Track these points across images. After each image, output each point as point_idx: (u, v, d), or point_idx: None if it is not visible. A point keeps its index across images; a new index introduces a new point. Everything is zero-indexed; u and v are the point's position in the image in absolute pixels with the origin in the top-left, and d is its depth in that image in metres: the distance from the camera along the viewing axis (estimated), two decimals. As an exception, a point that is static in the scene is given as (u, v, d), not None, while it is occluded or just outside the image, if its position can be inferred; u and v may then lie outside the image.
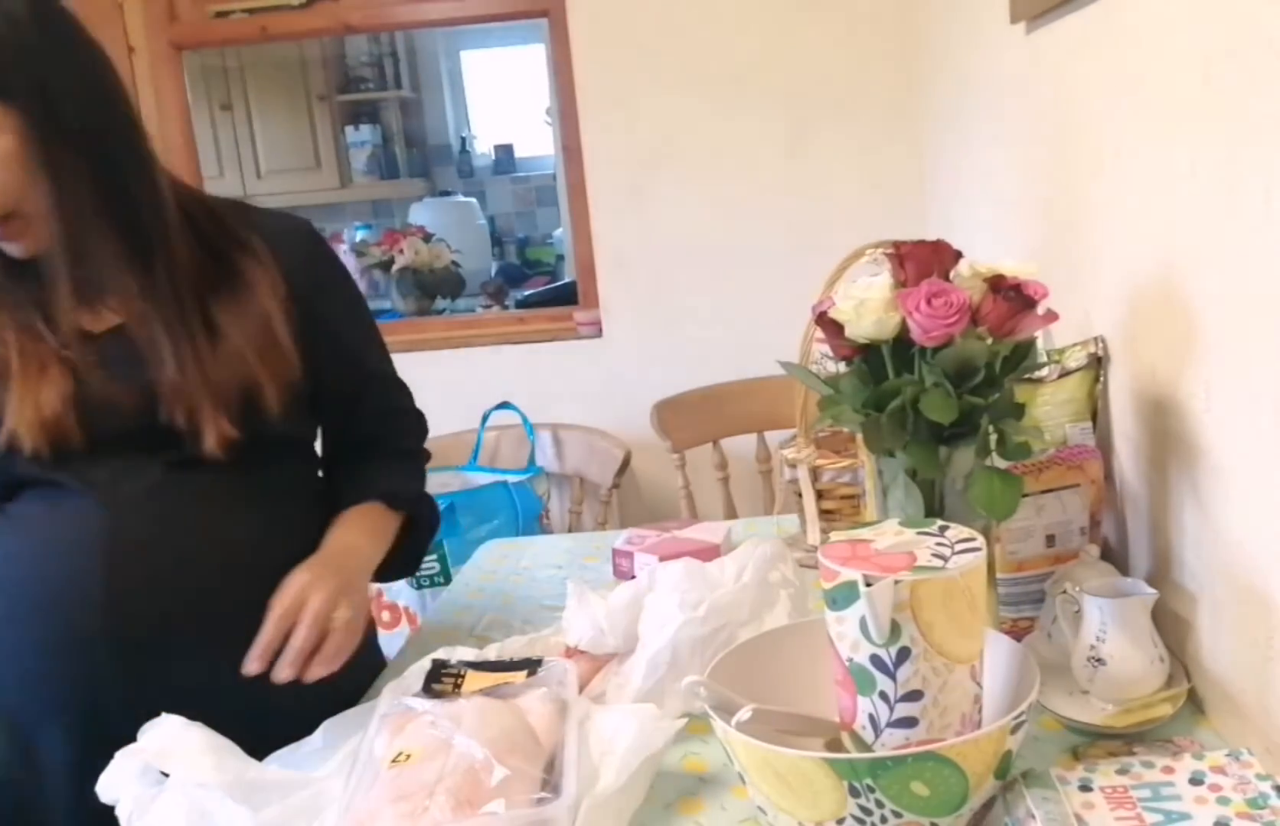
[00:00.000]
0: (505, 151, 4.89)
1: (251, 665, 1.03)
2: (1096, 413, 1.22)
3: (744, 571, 1.11)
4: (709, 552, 1.30)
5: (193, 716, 0.93)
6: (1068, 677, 1.01)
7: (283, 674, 1.03)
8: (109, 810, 0.90)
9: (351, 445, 1.29)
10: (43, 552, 1.05)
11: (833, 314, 1.04)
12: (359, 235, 4.35)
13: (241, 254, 1.14)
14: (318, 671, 1.05)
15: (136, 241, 1.06)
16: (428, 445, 1.37)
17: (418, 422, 1.36)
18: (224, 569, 1.09)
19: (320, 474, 1.29)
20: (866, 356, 1.03)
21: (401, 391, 1.34)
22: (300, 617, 1.05)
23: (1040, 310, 1.00)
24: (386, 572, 1.26)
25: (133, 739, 0.92)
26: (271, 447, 1.14)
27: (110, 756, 0.91)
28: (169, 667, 1.06)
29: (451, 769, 0.86)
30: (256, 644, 1.03)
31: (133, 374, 1.06)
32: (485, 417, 2.46)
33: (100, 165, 1.04)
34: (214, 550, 1.09)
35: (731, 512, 2.40)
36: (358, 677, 1.19)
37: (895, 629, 0.78)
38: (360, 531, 1.20)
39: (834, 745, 0.85)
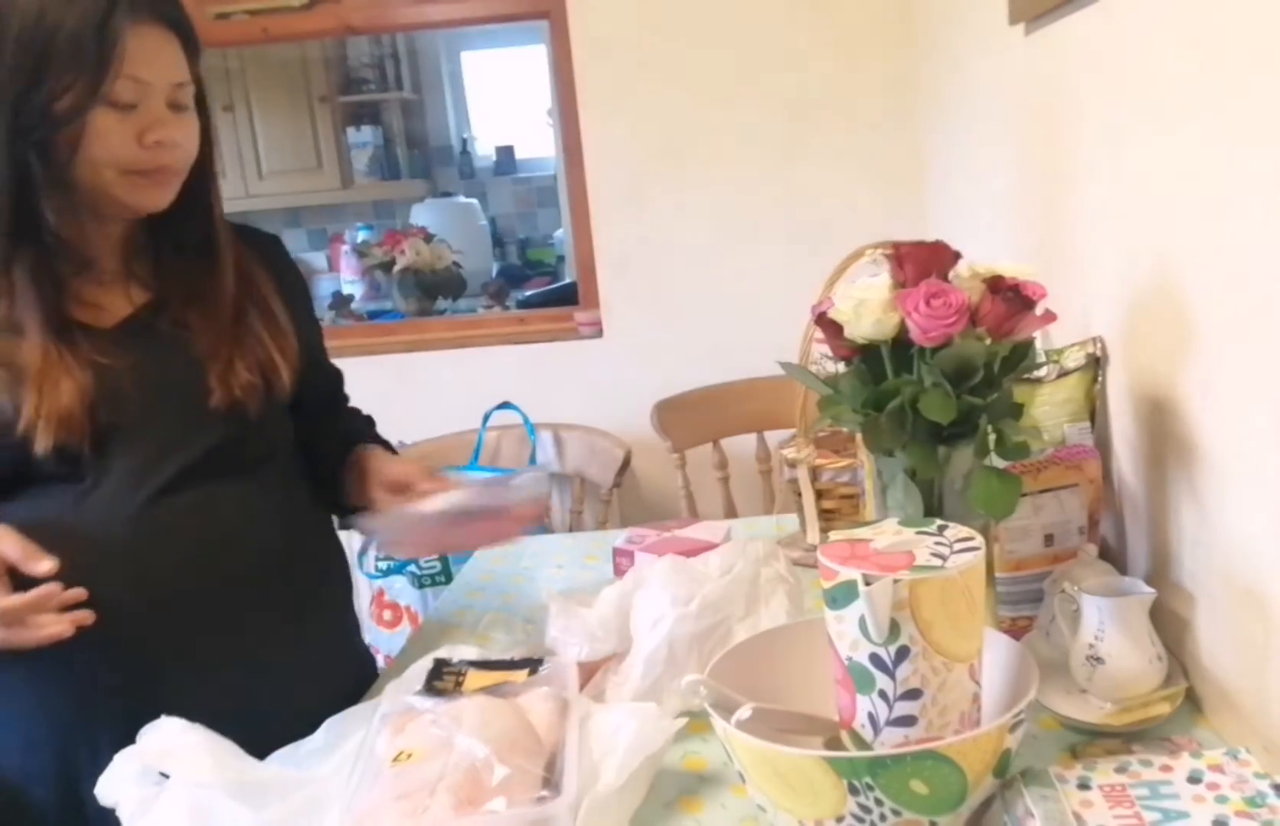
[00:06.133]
0: (506, 152, 4.88)
1: None
2: (1095, 412, 1.22)
3: (734, 566, 1.11)
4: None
5: (225, 703, 0.98)
6: (1066, 676, 1.01)
7: None
8: None
9: (338, 442, 1.35)
10: (73, 547, 1.04)
11: (832, 314, 1.04)
12: (360, 236, 4.35)
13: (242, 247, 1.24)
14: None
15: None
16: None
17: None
18: (247, 561, 1.11)
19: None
20: (866, 356, 1.03)
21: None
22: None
23: (1039, 310, 1.00)
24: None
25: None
26: (267, 443, 1.17)
27: None
28: (205, 661, 1.08)
29: (453, 767, 0.87)
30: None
31: (156, 363, 1.10)
32: (486, 418, 2.46)
33: (207, 138, 1.18)
34: (235, 544, 1.11)
35: (731, 512, 2.40)
36: (348, 671, 1.26)
37: (894, 628, 0.78)
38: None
39: (833, 743, 0.86)
